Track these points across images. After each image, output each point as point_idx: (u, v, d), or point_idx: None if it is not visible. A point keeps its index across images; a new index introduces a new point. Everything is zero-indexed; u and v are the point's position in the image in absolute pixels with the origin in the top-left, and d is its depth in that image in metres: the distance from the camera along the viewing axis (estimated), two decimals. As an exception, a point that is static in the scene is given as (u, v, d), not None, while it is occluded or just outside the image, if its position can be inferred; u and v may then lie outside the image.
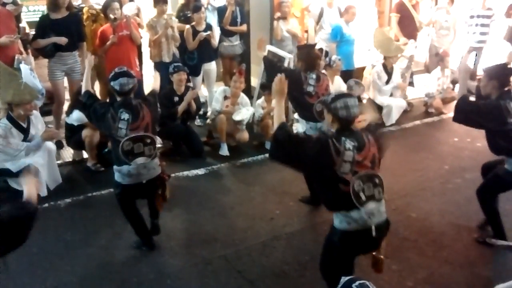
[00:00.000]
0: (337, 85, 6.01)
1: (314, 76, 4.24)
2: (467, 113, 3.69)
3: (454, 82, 7.72)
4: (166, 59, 6.07)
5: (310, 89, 4.21)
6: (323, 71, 4.88)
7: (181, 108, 5.39)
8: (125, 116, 3.51)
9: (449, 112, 3.98)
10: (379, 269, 2.98)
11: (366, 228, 2.74)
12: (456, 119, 3.79)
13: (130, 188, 3.63)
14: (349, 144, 2.71)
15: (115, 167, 3.62)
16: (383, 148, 2.99)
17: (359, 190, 2.71)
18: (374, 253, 2.93)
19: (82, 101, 3.75)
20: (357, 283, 1.89)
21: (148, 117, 3.62)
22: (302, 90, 4.23)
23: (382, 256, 2.93)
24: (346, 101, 2.79)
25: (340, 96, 2.86)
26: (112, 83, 3.60)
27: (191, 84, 6.18)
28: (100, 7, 5.94)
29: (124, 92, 3.59)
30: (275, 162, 2.93)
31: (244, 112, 5.77)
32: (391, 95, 6.81)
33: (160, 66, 5.94)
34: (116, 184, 3.68)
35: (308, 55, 4.39)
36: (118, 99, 3.63)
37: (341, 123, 2.81)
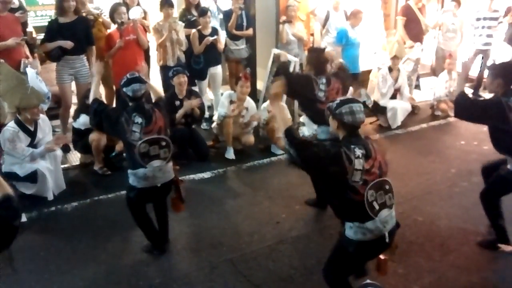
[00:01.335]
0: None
1: (324, 80, 4.20)
2: (467, 109, 3.67)
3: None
4: (171, 63, 6.08)
5: (321, 94, 4.16)
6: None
7: (179, 115, 5.35)
8: (139, 120, 3.54)
9: (456, 115, 3.94)
10: (384, 271, 2.96)
11: (380, 235, 2.74)
12: (457, 114, 3.73)
13: (145, 191, 3.65)
14: (358, 151, 2.66)
15: (130, 170, 3.64)
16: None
17: (372, 200, 2.68)
18: (380, 256, 2.92)
19: (93, 108, 3.75)
20: None
21: (161, 121, 3.66)
22: (313, 95, 4.17)
23: (385, 257, 2.92)
24: (352, 106, 2.73)
25: (345, 101, 2.79)
26: (124, 89, 3.61)
27: (196, 88, 6.19)
28: (98, 12, 5.95)
29: (136, 98, 3.61)
30: (294, 167, 2.87)
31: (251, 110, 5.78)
32: (395, 97, 6.78)
33: (165, 70, 5.96)
34: (130, 187, 3.69)
35: (317, 59, 4.37)
36: (130, 104, 3.65)
37: (346, 129, 2.76)
